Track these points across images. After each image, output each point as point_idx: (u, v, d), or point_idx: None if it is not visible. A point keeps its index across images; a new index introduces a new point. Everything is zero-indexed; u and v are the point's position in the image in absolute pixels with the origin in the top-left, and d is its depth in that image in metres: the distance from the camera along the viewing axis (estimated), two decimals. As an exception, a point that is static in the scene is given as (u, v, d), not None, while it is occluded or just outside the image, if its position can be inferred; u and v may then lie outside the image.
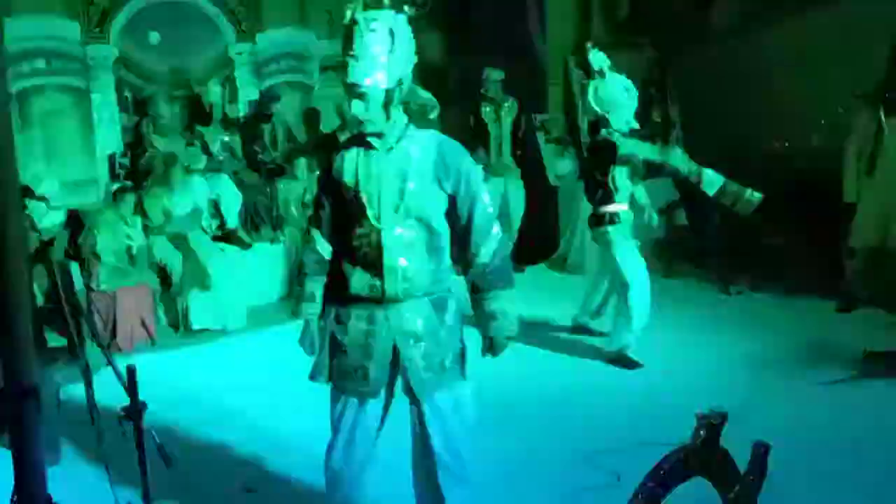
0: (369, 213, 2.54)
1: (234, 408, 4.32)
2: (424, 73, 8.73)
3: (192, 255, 5.91)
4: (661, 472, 1.77)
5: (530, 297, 5.64)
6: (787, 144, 6.60)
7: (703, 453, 1.83)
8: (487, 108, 7.19)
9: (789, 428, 3.68)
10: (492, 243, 2.66)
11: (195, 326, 5.79)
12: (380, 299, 2.58)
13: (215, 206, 6.70)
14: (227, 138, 7.13)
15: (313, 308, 2.71)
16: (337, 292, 2.67)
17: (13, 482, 1.75)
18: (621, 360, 4.85)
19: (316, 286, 2.71)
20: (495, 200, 7.18)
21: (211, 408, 4.38)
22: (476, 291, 2.72)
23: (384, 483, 2.86)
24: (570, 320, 5.57)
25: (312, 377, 2.74)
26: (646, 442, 3.52)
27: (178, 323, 5.88)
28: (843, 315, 5.55)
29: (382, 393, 2.69)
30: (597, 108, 4.81)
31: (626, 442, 3.63)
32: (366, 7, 2.46)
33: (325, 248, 2.70)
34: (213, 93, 7.16)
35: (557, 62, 7.90)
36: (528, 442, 3.85)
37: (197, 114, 7.22)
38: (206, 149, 6.90)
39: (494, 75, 7.14)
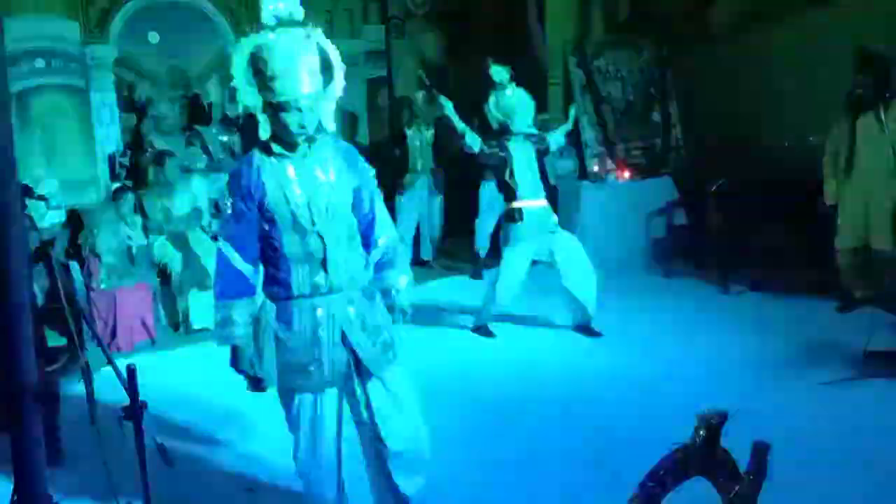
0: (303, 216, 2.65)
1: (234, 408, 4.32)
2: (425, 73, 8.72)
3: (192, 255, 5.91)
4: (661, 472, 1.77)
5: (530, 296, 5.65)
6: (786, 144, 6.61)
7: (703, 453, 1.83)
8: None
9: (789, 428, 3.68)
10: (392, 229, 2.96)
11: (195, 326, 5.78)
12: (325, 293, 2.70)
13: (215, 206, 6.70)
14: (226, 138, 7.13)
15: (240, 330, 2.72)
16: (273, 297, 2.75)
17: (13, 482, 1.75)
18: (482, 331, 5.52)
19: (238, 309, 2.72)
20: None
21: (211, 408, 4.38)
22: (381, 269, 2.92)
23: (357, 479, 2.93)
24: (569, 320, 5.57)
25: (260, 388, 2.81)
26: (646, 441, 3.53)
27: (178, 323, 5.88)
28: (843, 315, 5.56)
29: (338, 383, 2.79)
30: (498, 116, 5.43)
31: (626, 442, 3.63)
32: (282, 23, 2.55)
33: (244, 266, 2.72)
34: (213, 93, 7.16)
35: (557, 62, 7.89)
36: (528, 442, 3.85)
37: (197, 114, 7.22)
38: (205, 149, 6.90)
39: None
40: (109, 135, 6.97)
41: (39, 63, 6.57)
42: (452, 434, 3.73)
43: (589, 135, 7.73)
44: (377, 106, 8.49)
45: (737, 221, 6.37)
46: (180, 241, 5.97)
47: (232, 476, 3.60)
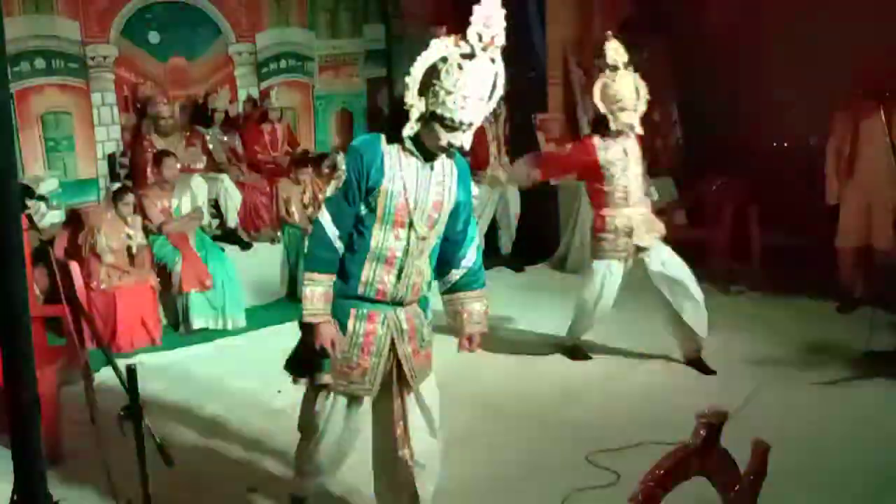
0: (406, 218, 2.63)
1: (234, 407, 4.32)
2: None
3: (192, 255, 5.90)
4: (661, 472, 1.77)
5: (530, 296, 5.64)
6: (785, 145, 6.62)
7: (703, 453, 1.83)
8: None
9: (789, 428, 3.68)
10: (478, 250, 2.91)
11: (195, 326, 5.78)
12: (386, 301, 2.70)
13: (215, 206, 6.70)
14: (227, 138, 7.13)
15: (325, 308, 2.68)
16: (336, 292, 2.71)
17: (13, 482, 1.75)
18: (576, 353, 5.00)
19: (326, 286, 2.68)
20: (494, 201, 7.23)
21: (210, 407, 4.38)
22: (456, 291, 2.88)
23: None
24: (569, 320, 5.56)
25: (314, 379, 2.78)
26: (646, 442, 3.53)
27: (178, 323, 5.87)
28: (843, 315, 5.56)
29: (376, 391, 2.79)
30: (601, 107, 4.62)
31: (626, 442, 3.63)
32: (483, 44, 2.49)
33: (339, 244, 2.68)
34: (222, 97, 7.16)
35: (557, 62, 7.89)
36: (528, 442, 3.85)
37: (197, 114, 7.22)
38: (206, 149, 6.89)
39: None
40: (109, 135, 6.96)
41: (39, 62, 6.56)
42: (453, 436, 3.73)
43: (589, 135, 7.72)
44: (377, 106, 8.47)
45: (737, 222, 6.37)
46: (180, 241, 5.96)
47: (233, 476, 3.60)
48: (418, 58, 2.53)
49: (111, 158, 6.93)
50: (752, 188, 6.33)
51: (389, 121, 2.70)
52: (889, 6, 5.83)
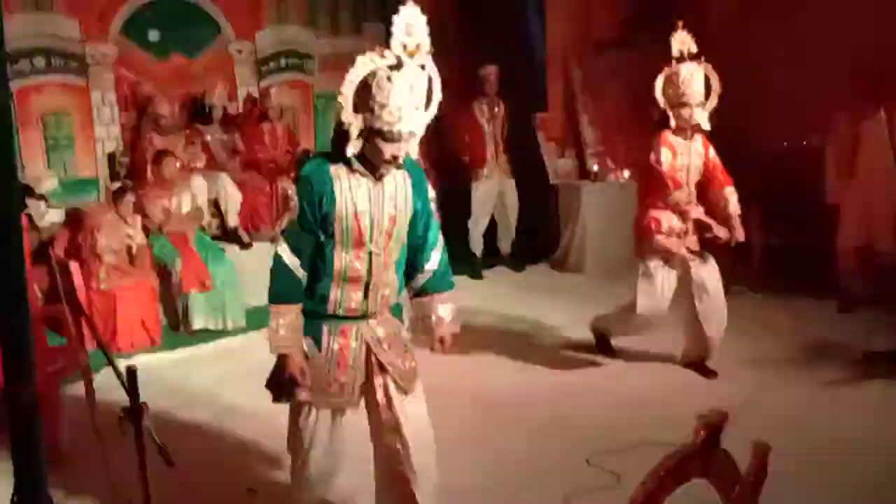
0: (364, 237, 2.64)
1: (234, 408, 4.32)
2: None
3: (192, 255, 5.90)
4: (661, 473, 1.76)
5: (530, 296, 5.65)
6: (784, 144, 6.62)
7: (703, 453, 1.83)
8: (483, 107, 7.16)
9: (789, 428, 3.68)
10: (442, 251, 2.89)
11: (195, 326, 5.78)
12: (359, 316, 2.73)
13: (215, 206, 6.69)
14: (226, 137, 7.12)
15: (292, 339, 2.70)
16: (304, 311, 2.73)
17: (13, 482, 1.75)
18: (602, 341, 4.98)
19: (292, 317, 2.69)
20: (492, 200, 7.23)
21: (211, 408, 4.38)
22: (423, 295, 2.89)
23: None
24: (569, 320, 5.55)
25: (288, 397, 2.77)
26: (646, 442, 3.53)
27: (178, 323, 5.87)
28: (843, 315, 5.56)
29: (357, 402, 2.80)
30: (661, 101, 4.45)
31: (626, 442, 3.63)
32: (408, 53, 2.47)
33: (301, 272, 2.69)
34: (219, 93, 7.15)
35: (557, 61, 7.89)
36: (528, 442, 3.85)
37: (197, 113, 7.21)
38: (206, 148, 6.89)
39: (492, 73, 7.13)
40: (109, 134, 6.96)
41: (39, 61, 6.56)
42: (453, 437, 3.73)
43: (589, 135, 7.72)
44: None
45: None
46: (180, 241, 5.97)
47: (232, 476, 3.60)
48: (346, 76, 2.52)
49: (111, 158, 6.93)
50: (751, 188, 6.32)
51: (333, 142, 2.67)
52: (889, 5, 5.83)
